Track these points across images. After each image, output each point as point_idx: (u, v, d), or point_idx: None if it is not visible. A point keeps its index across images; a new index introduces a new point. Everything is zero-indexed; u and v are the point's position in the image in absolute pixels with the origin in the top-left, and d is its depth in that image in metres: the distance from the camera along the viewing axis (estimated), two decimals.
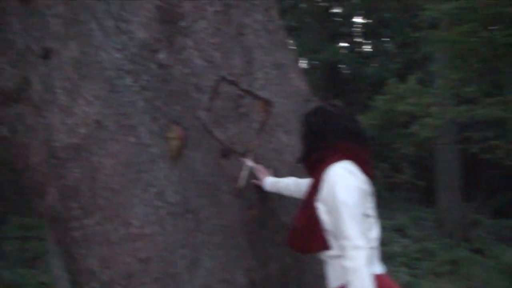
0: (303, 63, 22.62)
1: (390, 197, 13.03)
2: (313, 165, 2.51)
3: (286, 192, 2.84)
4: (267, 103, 2.96)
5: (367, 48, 21.85)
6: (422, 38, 11.60)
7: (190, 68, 2.89)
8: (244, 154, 2.89)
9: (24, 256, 9.56)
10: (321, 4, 20.91)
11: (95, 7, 2.69)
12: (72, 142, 2.52)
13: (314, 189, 2.45)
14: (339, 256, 2.35)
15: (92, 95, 2.56)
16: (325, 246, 2.43)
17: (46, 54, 2.54)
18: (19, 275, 7.97)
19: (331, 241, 2.41)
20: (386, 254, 9.25)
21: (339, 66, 20.89)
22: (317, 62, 20.98)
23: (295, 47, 21.89)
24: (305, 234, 2.47)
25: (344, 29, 21.85)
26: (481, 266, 9.48)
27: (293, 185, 2.81)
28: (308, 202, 2.47)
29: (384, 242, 9.16)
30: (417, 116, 10.79)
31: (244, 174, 2.85)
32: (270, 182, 2.86)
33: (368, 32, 21.22)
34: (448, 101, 10.46)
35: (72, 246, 2.57)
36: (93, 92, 2.56)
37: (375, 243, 2.45)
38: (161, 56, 2.83)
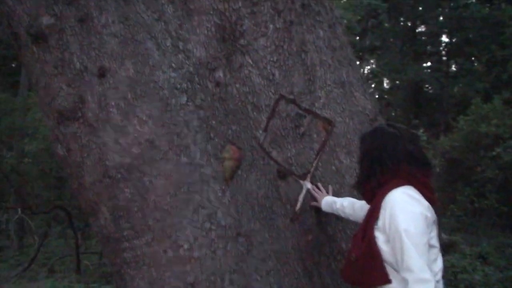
0: (386, 83, 22.26)
1: (474, 222, 12.38)
2: (371, 190, 2.33)
3: (342, 215, 2.68)
4: (328, 122, 2.84)
5: (453, 67, 21.16)
6: (510, 56, 11.03)
7: (249, 86, 2.82)
8: (302, 176, 2.77)
9: (101, 271, 9.80)
10: (405, 23, 20.53)
11: (152, 26, 2.68)
12: (124, 162, 2.50)
13: (372, 217, 2.26)
14: None
15: (146, 114, 2.54)
16: (384, 279, 2.23)
17: (102, 73, 2.55)
18: None
19: (391, 273, 2.22)
20: (466, 282, 8.77)
21: (423, 85, 20.32)
22: (399, 82, 20.55)
23: (377, 67, 21.63)
24: (362, 266, 2.27)
25: (428, 48, 21.29)
26: None
27: (349, 207, 2.65)
28: (365, 231, 2.28)
29: (465, 270, 8.69)
30: (502, 138, 10.22)
31: (301, 197, 2.73)
32: (327, 202, 2.71)
33: (453, 51, 20.54)
34: None
35: (122, 267, 2.54)
36: (147, 112, 2.54)
37: (439, 276, 2.23)
38: (219, 74, 2.78)
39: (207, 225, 2.51)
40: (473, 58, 19.71)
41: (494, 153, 10.46)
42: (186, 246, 2.47)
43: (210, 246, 2.49)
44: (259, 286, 2.52)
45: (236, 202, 2.60)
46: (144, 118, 2.54)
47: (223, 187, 2.59)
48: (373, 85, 22.58)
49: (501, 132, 10.38)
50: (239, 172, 2.65)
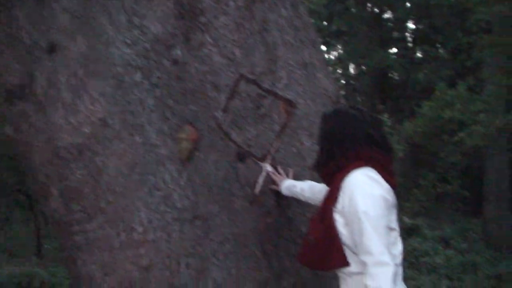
0: (352, 68, 22.36)
1: (437, 207, 12.61)
2: (331, 173, 2.28)
3: (302, 198, 2.63)
4: (289, 103, 2.76)
5: (418, 54, 21.33)
6: (475, 43, 11.14)
7: (208, 65, 2.73)
8: (262, 158, 2.70)
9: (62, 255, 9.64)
10: (372, 9, 20.57)
11: (106, 1, 2.56)
12: (75, 142, 2.40)
13: (330, 199, 2.21)
14: (359, 274, 2.12)
15: (98, 92, 2.43)
16: (343, 262, 2.19)
17: (52, 49, 2.43)
18: (52, 274, 8.02)
19: (350, 256, 2.18)
20: (428, 265, 8.93)
21: (389, 72, 20.45)
22: (365, 68, 20.64)
23: (343, 52, 21.68)
24: (320, 249, 2.22)
25: (395, 35, 21.41)
26: None
27: (309, 191, 2.59)
28: (323, 214, 2.23)
29: (427, 253, 8.88)
30: (466, 124, 10.35)
31: (261, 179, 2.66)
32: (286, 186, 2.65)
33: (419, 37, 20.69)
34: (498, 108, 9.95)
35: (74, 251, 2.45)
36: (99, 89, 2.44)
37: (399, 259, 2.19)
38: (176, 52, 2.68)
39: (162, 207, 2.43)
40: (438, 45, 19.91)
41: (457, 138, 10.60)
42: (140, 229, 2.39)
43: (165, 229, 2.41)
44: (217, 269, 2.46)
45: (193, 184, 2.52)
46: (96, 96, 2.43)
47: (180, 169, 2.50)
48: (339, 71, 22.66)
49: (465, 118, 10.50)
50: (197, 153, 2.57)
